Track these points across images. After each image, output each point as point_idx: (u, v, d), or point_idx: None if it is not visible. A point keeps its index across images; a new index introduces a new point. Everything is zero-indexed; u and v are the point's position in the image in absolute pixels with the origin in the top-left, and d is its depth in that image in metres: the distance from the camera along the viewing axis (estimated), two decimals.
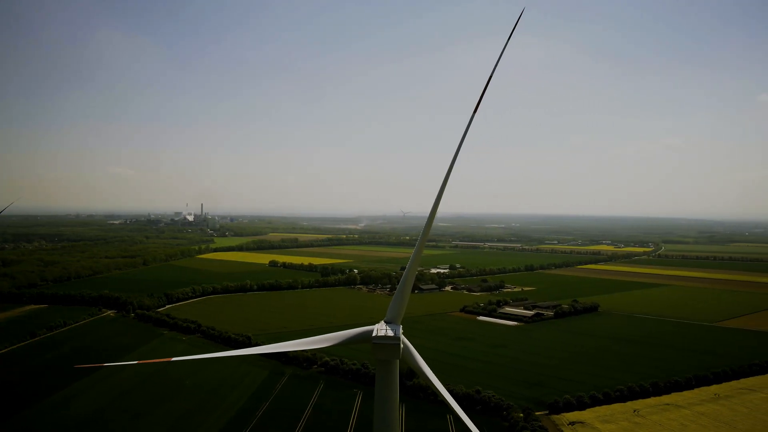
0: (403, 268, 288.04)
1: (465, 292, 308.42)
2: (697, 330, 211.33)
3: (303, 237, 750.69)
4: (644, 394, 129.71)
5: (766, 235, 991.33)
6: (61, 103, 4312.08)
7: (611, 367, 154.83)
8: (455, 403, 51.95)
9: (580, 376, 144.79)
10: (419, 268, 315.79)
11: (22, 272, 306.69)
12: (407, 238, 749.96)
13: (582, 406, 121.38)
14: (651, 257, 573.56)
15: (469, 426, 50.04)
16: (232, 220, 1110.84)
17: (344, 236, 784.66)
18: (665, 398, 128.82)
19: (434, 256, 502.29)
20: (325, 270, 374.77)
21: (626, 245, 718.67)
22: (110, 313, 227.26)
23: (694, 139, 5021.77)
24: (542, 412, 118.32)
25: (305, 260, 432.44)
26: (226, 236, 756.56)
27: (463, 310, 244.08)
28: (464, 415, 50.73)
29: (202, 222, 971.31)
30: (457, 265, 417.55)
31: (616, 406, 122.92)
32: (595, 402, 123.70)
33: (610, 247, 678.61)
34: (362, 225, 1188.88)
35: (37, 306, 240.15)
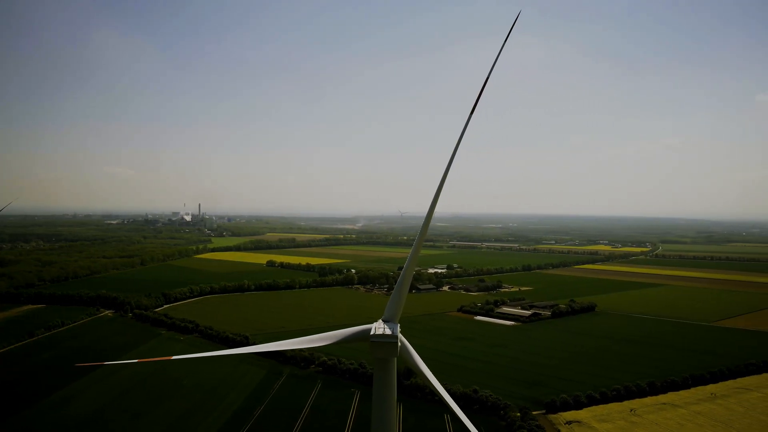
0: (400, 268, 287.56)
1: (462, 292, 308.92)
2: (695, 330, 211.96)
3: (301, 237, 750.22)
4: (641, 393, 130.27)
5: (763, 235, 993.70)
6: (60, 103, 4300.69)
7: (610, 367, 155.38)
8: (452, 401, 52.30)
9: (579, 376, 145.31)
10: (416, 268, 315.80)
11: (19, 272, 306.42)
12: (405, 238, 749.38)
13: (579, 406, 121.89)
14: (648, 257, 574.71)
15: (466, 424, 50.32)
16: (229, 220, 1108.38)
17: (342, 236, 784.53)
18: (662, 397, 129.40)
19: (432, 256, 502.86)
20: (322, 270, 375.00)
21: (624, 245, 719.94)
22: (108, 312, 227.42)
23: (694, 139, 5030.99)
24: (539, 412, 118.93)
25: (303, 260, 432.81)
26: (223, 236, 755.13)
27: (460, 309, 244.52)
28: (461, 413, 51.01)
29: (199, 222, 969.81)
30: (455, 265, 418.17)
31: (613, 406, 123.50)
32: (592, 401, 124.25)
33: (608, 247, 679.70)
34: (360, 225, 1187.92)
35: (35, 306, 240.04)
